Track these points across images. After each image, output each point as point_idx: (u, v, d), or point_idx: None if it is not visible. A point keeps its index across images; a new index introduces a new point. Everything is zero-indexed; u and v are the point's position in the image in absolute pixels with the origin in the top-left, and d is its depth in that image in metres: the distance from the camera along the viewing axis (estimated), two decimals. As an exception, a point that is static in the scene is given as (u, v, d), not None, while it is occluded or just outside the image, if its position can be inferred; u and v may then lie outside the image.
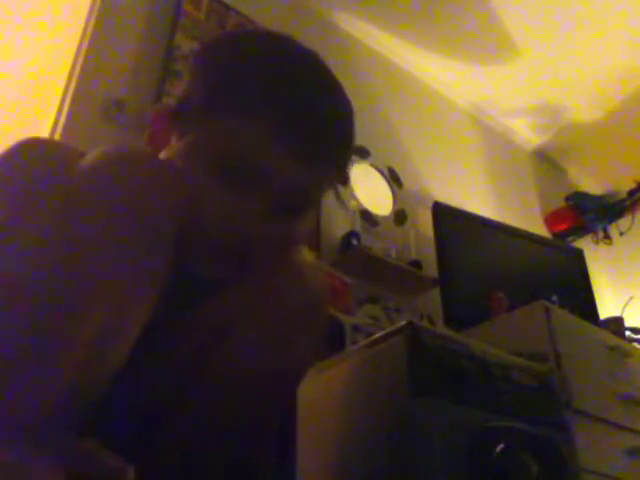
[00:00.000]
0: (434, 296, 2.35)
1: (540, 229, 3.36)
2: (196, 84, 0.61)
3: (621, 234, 3.51)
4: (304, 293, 0.67)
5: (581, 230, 3.51)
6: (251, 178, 0.57)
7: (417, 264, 2.40)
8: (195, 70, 0.63)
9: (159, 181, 0.53)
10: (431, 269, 2.40)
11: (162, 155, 0.62)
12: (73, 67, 1.96)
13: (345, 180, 2.33)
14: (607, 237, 3.58)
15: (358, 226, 2.36)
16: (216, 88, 0.59)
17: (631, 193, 3.48)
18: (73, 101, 1.88)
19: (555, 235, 3.45)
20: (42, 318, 0.45)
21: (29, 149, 0.54)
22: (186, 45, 2.20)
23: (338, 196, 2.43)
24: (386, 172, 2.69)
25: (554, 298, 2.04)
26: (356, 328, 1.87)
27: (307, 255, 0.70)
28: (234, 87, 0.57)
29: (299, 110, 0.57)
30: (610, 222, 3.57)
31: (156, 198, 0.51)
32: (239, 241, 0.57)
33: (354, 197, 2.49)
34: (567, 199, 3.55)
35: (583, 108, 3.43)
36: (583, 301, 2.56)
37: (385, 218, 2.59)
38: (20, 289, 0.46)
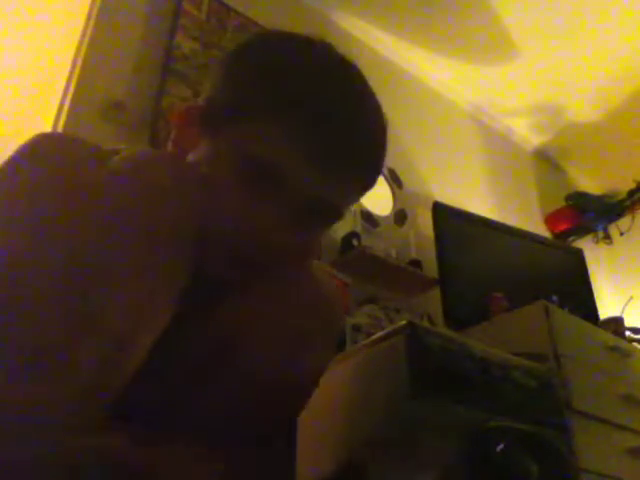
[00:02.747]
0: (434, 296, 2.35)
1: (540, 229, 3.36)
2: (226, 86, 0.60)
3: (621, 234, 3.52)
4: (318, 299, 0.67)
5: (581, 230, 3.52)
6: (274, 185, 0.56)
7: (417, 264, 2.40)
8: (226, 71, 0.62)
9: (182, 189, 0.53)
10: (431, 269, 2.40)
11: (191, 157, 0.61)
12: (73, 67, 1.96)
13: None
14: (607, 237, 3.58)
15: (358, 226, 2.36)
16: (246, 92, 0.58)
17: (631, 193, 3.48)
18: (73, 101, 1.88)
19: (555, 235, 3.45)
20: (57, 322, 0.45)
21: (50, 144, 0.53)
22: (186, 45, 2.20)
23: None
24: (386, 172, 2.69)
25: (554, 298, 2.04)
26: (356, 328, 1.87)
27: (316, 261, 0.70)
28: (264, 93, 0.56)
29: (330, 122, 0.56)
30: (610, 222, 3.57)
31: (178, 207, 0.52)
32: (257, 246, 0.57)
33: (354, 197, 2.48)
34: (567, 199, 3.55)
35: (583, 108, 3.43)
36: (583, 301, 2.56)
37: (385, 218, 2.59)
38: (35, 292, 0.45)
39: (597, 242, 3.58)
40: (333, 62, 0.61)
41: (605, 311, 2.73)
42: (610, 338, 2.06)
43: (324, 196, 0.58)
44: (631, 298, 2.59)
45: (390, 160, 2.72)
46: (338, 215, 0.62)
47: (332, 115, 0.56)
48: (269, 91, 0.56)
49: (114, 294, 0.47)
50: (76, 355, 0.45)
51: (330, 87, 0.58)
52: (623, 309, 2.51)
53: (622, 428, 1.82)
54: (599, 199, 3.61)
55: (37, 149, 0.53)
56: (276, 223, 0.56)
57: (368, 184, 0.63)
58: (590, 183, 3.86)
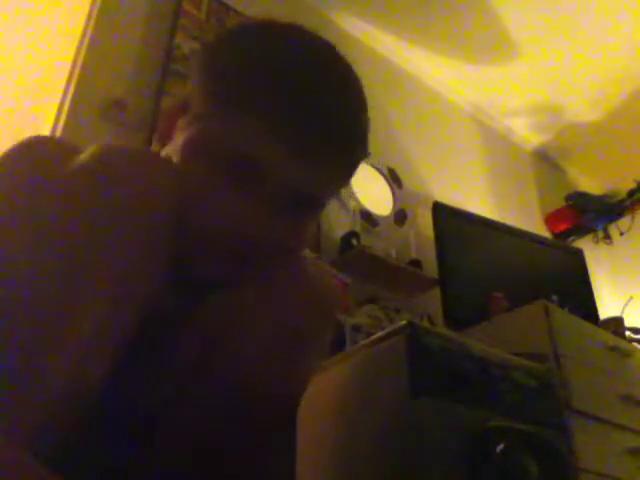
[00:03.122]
0: (434, 296, 2.35)
1: (540, 229, 3.36)
2: (201, 80, 0.60)
3: (621, 234, 3.52)
4: (311, 295, 0.67)
5: (581, 230, 3.52)
6: (255, 178, 0.55)
7: (417, 264, 2.40)
8: (203, 66, 0.61)
9: (156, 182, 0.52)
10: (431, 269, 2.40)
11: (166, 150, 0.61)
12: (73, 67, 1.96)
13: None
14: (607, 237, 3.58)
15: (358, 226, 2.36)
16: (222, 86, 0.57)
17: (631, 193, 3.48)
18: (73, 101, 1.88)
19: (555, 235, 3.45)
20: (34, 326, 0.45)
21: (27, 148, 0.53)
22: (186, 45, 2.20)
23: (338, 196, 2.43)
24: (386, 172, 2.69)
25: (554, 298, 2.04)
26: (356, 328, 1.87)
27: (310, 256, 0.69)
28: (239, 84, 0.56)
29: (305, 108, 0.55)
30: (610, 222, 3.57)
31: (152, 200, 0.51)
32: (240, 241, 0.56)
33: (354, 197, 2.49)
34: (567, 199, 3.55)
35: (583, 108, 3.43)
36: (583, 301, 2.56)
37: (385, 218, 2.59)
38: (8, 298, 0.45)
39: (597, 242, 3.58)
40: (309, 51, 0.59)
41: (605, 311, 2.73)
42: (610, 338, 2.06)
43: (307, 187, 0.57)
44: (631, 298, 2.59)
45: (390, 160, 2.72)
46: (322, 205, 0.61)
47: (311, 105, 0.55)
48: (245, 84, 0.55)
49: (85, 300, 0.47)
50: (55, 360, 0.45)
51: (304, 77, 0.56)
52: (623, 309, 2.51)
53: (622, 428, 1.82)
54: (599, 199, 3.61)
55: (21, 152, 0.53)
56: (260, 217, 0.55)
57: (351, 170, 0.62)
58: (590, 183, 3.86)
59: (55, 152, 0.53)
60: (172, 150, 0.59)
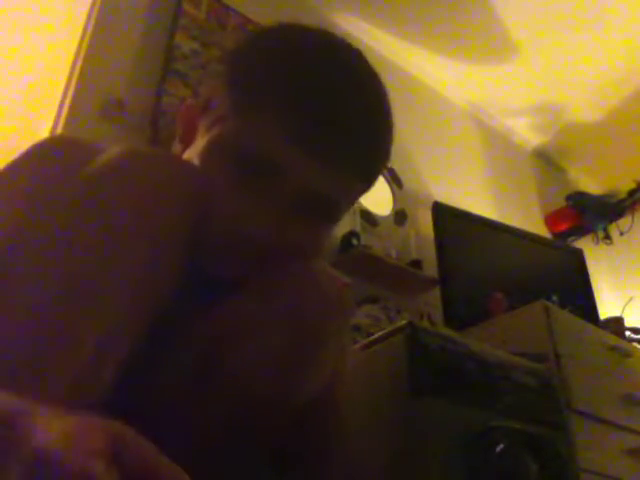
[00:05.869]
0: (434, 296, 2.35)
1: (540, 229, 3.36)
2: (223, 82, 0.60)
3: (621, 234, 3.51)
4: (323, 300, 0.66)
5: (581, 230, 3.51)
6: (267, 178, 0.55)
7: (417, 264, 2.40)
8: (222, 69, 0.61)
9: (172, 185, 0.52)
10: (431, 269, 2.40)
11: (188, 153, 0.60)
12: (73, 67, 1.96)
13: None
14: (607, 237, 3.58)
15: (358, 226, 2.36)
16: (238, 87, 0.57)
17: (631, 193, 3.48)
18: (73, 101, 1.88)
19: (555, 235, 3.45)
20: (42, 331, 0.45)
21: (43, 149, 0.53)
22: (186, 45, 2.20)
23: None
24: (386, 172, 2.69)
25: (554, 298, 2.04)
26: (356, 328, 1.87)
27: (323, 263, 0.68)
28: (260, 86, 0.56)
29: (327, 112, 0.54)
30: (610, 222, 3.57)
31: (172, 202, 0.51)
32: (255, 242, 0.55)
33: (354, 197, 2.48)
34: (567, 199, 3.55)
35: (583, 108, 3.43)
36: (583, 301, 2.56)
37: (385, 218, 2.59)
38: (17, 308, 0.45)
39: (597, 242, 3.57)
40: (332, 54, 0.59)
41: (605, 311, 2.73)
42: (610, 338, 2.06)
43: (326, 190, 0.57)
44: (631, 298, 2.59)
45: (390, 160, 2.72)
46: (339, 210, 0.60)
47: (334, 109, 0.55)
48: (267, 86, 0.55)
49: (94, 311, 0.47)
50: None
51: (323, 80, 0.56)
52: (623, 309, 2.51)
53: (622, 428, 1.82)
54: (599, 199, 3.60)
55: (40, 153, 0.52)
56: (276, 219, 0.55)
57: (373, 177, 0.62)
58: (590, 183, 3.86)
59: (71, 152, 0.52)
60: (194, 152, 0.59)
